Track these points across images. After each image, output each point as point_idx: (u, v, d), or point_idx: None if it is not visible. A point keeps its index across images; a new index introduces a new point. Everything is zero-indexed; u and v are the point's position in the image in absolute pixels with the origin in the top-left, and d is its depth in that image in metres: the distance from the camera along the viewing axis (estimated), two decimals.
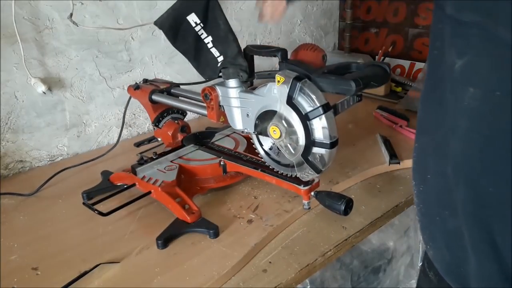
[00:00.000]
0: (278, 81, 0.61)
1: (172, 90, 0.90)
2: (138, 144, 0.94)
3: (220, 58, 0.71)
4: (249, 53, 0.69)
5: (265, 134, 0.67)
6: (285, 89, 0.61)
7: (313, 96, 0.59)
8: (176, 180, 0.76)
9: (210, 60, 0.72)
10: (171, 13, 0.71)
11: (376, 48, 1.50)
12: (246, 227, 0.71)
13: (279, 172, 0.71)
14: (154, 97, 0.88)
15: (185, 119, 0.96)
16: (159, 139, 0.94)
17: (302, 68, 0.62)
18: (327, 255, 0.65)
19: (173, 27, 0.72)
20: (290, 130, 0.63)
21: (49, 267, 0.64)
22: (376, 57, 1.44)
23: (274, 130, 0.65)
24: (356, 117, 1.15)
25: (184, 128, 0.92)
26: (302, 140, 0.62)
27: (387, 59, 1.44)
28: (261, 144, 0.71)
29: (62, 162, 1.01)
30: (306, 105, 0.60)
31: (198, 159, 0.84)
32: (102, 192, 0.81)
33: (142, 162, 0.84)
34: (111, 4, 1.01)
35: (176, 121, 0.92)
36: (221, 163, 0.81)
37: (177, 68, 1.19)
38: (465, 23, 0.40)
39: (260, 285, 0.59)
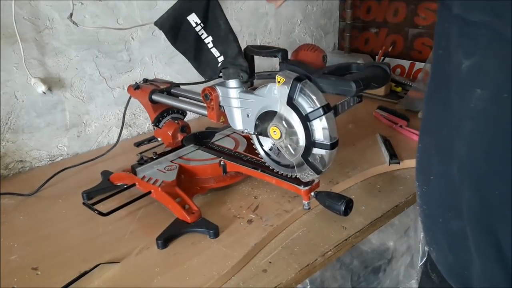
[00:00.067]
0: (279, 82, 0.61)
1: (172, 90, 0.90)
2: (138, 144, 0.94)
3: (221, 58, 0.71)
4: (249, 54, 0.69)
5: (265, 134, 0.67)
6: (286, 90, 0.61)
7: (314, 97, 0.59)
8: (176, 180, 0.76)
9: (210, 60, 0.72)
10: (171, 13, 0.71)
11: (376, 48, 1.50)
12: (246, 227, 0.71)
13: (279, 173, 0.71)
14: (154, 97, 0.88)
15: (185, 119, 0.96)
16: (159, 139, 0.94)
17: (302, 68, 0.62)
18: (327, 255, 0.65)
19: (173, 27, 0.72)
20: (290, 131, 0.63)
21: (49, 267, 0.64)
22: (376, 57, 1.44)
23: (274, 131, 0.65)
24: (356, 117, 1.15)
25: (184, 128, 0.92)
26: (302, 141, 0.62)
27: (387, 59, 1.44)
28: (261, 145, 0.72)
29: (62, 162, 1.01)
30: (306, 106, 0.60)
31: (198, 159, 0.84)
32: (102, 192, 0.81)
33: (142, 162, 0.84)
34: (111, 4, 1.01)
35: (176, 121, 0.92)
36: (221, 163, 0.81)
37: (177, 68, 1.19)
38: (473, 23, 0.39)
39: (260, 285, 0.59)
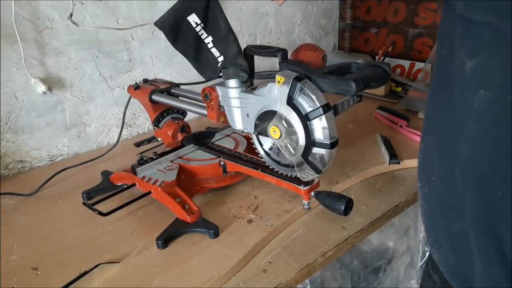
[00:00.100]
0: (278, 82, 0.61)
1: (172, 90, 0.90)
2: (138, 144, 0.94)
3: (221, 58, 0.71)
4: (249, 53, 0.69)
5: (265, 134, 0.67)
6: (285, 90, 0.61)
7: (313, 97, 0.59)
8: (176, 180, 0.76)
9: (210, 60, 0.72)
10: (171, 13, 0.71)
11: (376, 48, 1.50)
12: (246, 227, 0.71)
13: (279, 172, 0.71)
14: (154, 97, 0.88)
15: (185, 119, 0.96)
16: (159, 139, 0.94)
17: (302, 68, 0.62)
18: (327, 255, 0.65)
19: (173, 27, 0.72)
20: (290, 131, 0.63)
21: (49, 267, 0.64)
22: (376, 57, 1.44)
23: (274, 130, 0.65)
24: (356, 117, 1.15)
25: (184, 128, 0.92)
26: (302, 141, 0.62)
27: (387, 59, 1.44)
28: (261, 144, 0.71)
29: (62, 162, 1.01)
30: (306, 106, 0.60)
31: (198, 159, 0.84)
32: (102, 192, 0.81)
33: (142, 162, 0.84)
34: (111, 4, 1.01)
35: (176, 121, 0.92)
36: (221, 163, 0.81)
37: (177, 68, 1.19)
38: (476, 23, 0.39)
39: (260, 285, 0.59)
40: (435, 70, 0.48)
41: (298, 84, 0.59)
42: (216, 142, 0.90)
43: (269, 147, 0.71)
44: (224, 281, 0.60)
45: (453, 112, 0.43)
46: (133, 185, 0.79)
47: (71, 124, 1.03)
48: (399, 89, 1.34)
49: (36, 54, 0.93)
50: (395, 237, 0.93)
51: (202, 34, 0.71)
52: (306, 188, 0.69)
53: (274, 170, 0.71)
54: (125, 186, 0.79)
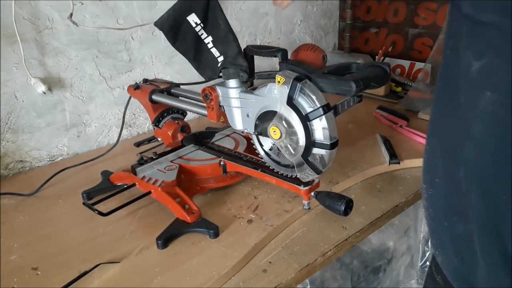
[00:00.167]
0: (279, 82, 0.61)
1: (172, 90, 0.90)
2: (138, 144, 0.94)
3: (220, 58, 0.71)
4: (249, 53, 0.69)
5: (265, 134, 0.67)
6: (286, 90, 0.61)
7: (314, 97, 0.59)
8: (176, 180, 0.76)
9: (210, 60, 0.72)
10: (171, 13, 0.71)
11: (376, 48, 1.50)
12: (246, 227, 0.71)
13: (279, 173, 0.71)
14: (154, 97, 0.88)
15: (185, 119, 0.96)
16: (159, 139, 0.94)
17: (302, 68, 0.62)
18: (327, 255, 0.65)
19: (173, 27, 0.72)
20: (290, 131, 0.63)
21: (49, 267, 0.64)
22: (376, 57, 1.44)
23: (274, 131, 0.65)
24: (356, 117, 1.15)
25: (184, 128, 0.92)
26: (302, 141, 0.62)
27: (387, 59, 1.44)
28: (261, 145, 0.71)
29: (62, 162, 1.01)
30: (306, 106, 0.60)
31: (198, 159, 0.84)
32: (102, 192, 0.81)
33: (142, 162, 0.84)
34: (111, 4, 1.01)
35: (176, 121, 0.92)
36: (221, 163, 0.81)
37: (177, 68, 1.19)
38: (483, 23, 0.38)
39: (260, 285, 0.59)
40: (440, 71, 0.48)
41: (298, 84, 0.59)
42: (216, 142, 0.90)
43: (269, 148, 0.71)
44: (224, 281, 0.60)
45: (458, 113, 0.43)
46: (133, 185, 0.79)
47: (71, 124, 1.03)
48: (399, 89, 1.34)
49: (36, 54, 0.93)
50: (395, 237, 0.93)
51: (202, 34, 0.71)
52: (306, 188, 0.69)
53: (274, 170, 0.71)
54: (125, 186, 0.79)
